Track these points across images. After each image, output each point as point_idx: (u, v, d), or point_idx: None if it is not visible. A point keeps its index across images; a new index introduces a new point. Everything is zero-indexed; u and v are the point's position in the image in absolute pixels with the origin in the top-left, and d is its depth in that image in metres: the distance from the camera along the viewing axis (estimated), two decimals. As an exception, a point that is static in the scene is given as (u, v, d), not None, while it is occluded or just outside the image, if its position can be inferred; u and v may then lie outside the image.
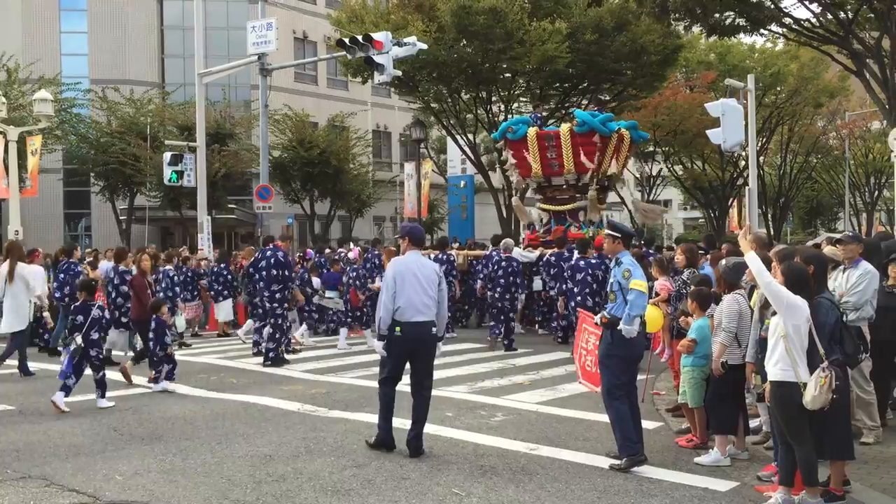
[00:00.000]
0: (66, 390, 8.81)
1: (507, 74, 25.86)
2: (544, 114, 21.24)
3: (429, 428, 7.58)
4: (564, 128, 16.95)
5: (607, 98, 28.78)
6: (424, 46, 18.07)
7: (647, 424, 7.20)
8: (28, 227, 21.90)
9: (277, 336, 12.07)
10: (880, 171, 46.64)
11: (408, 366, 7.01)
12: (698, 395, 6.84)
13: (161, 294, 13.34)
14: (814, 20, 22.83)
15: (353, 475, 6.20)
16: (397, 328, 6.78)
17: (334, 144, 30.39)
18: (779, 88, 36.02)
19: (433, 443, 7.16)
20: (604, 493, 5.76)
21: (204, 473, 6.31)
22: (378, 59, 16.72)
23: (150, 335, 10.19)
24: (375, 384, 7.18)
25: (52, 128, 25.70)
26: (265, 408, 8.84)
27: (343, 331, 14.11)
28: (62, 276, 13.58)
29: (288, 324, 12.82)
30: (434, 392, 9.45)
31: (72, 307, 9.53)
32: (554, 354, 12.75)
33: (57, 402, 8.70)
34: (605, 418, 6.69)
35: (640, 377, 7.00)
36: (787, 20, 22.98)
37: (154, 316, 10.26)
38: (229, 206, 30.91)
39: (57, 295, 13.57)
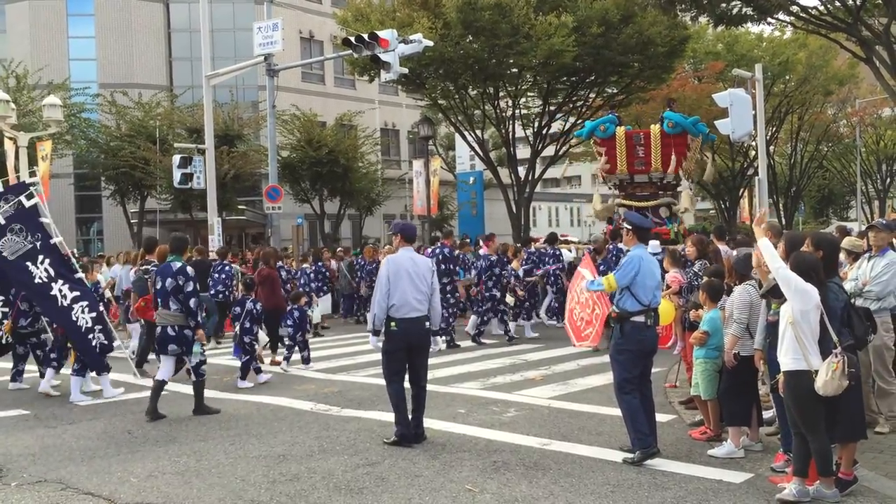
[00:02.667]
0: (254, 370, 10.44)
1: (514, 69, 25.75)
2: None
3: (441, 424, 7.64)
4: (655, 128, 17.39)
5: (615, 91, 28.66)
6: (430, 43, 18.07)
7: (660, 417, 7.18)
8: (40, 232, 21.99)
9: (486, 319, 14.17)
10: (892, 157, 46.43)
11: None
12: (711, 387, 6.81)
13: (301, 289, 14.44)
14: (821, 7, 22.63)
15: (366, 473, 6.22)
16: (392, 323, 7.00)
17: (342, 143, 30.36)
18: (788, 77, 35.79)
19: (446, 439, 7.19)
20: (617, 487, 5.75)
21: (218, 474, 6.34)
22: (384, 57, 16.74)
23: (291, 322, 11.49)
24: (387, 382, 7.29)
25: (61, 133, 25.81)
26: (278, 408, 8.88)
27: (493, 321, 14.72)
28: (217, 275, 14.83)
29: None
30: (446, 389, 9.58)
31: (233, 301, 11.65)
32: (566, 350, 12.73)
33: (245, 386, 10.26)
34: (617, 412, 6.69)
35: (654, 370, 6.98)
36: (795, 8, 22.78)
37: (296, 306, 11.64)
38: (239, 207, 30.95)
39: (212, 292, 14.66)
